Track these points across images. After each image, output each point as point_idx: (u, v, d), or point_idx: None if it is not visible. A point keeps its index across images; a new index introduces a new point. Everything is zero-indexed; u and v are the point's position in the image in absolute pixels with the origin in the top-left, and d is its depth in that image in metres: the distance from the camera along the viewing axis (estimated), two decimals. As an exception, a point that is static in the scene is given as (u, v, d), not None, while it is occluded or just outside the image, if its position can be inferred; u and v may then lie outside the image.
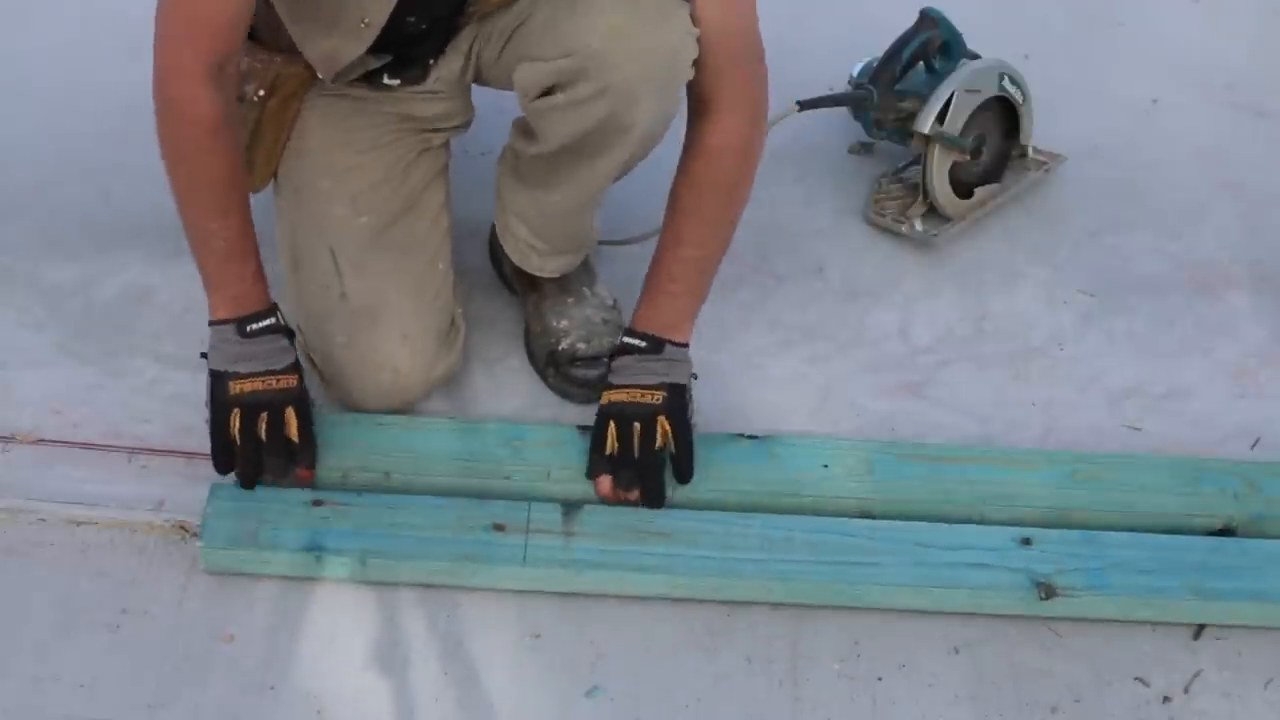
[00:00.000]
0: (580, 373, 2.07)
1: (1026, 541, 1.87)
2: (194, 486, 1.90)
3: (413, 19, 1.89)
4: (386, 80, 1.99)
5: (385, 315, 1.96)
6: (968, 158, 2.36)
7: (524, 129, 1.94)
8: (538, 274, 2.10)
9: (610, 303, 2.15)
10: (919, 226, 2.36)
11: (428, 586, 1.84)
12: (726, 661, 1.81)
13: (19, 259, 2.22)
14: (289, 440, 1.86)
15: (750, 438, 2.00)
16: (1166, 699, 1.80)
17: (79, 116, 2.47)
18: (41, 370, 2.07)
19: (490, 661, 1.79)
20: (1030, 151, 2.46)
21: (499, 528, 1.85)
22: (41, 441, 1.97)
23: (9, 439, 1.98)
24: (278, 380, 1.86)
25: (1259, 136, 2.64)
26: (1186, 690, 1.80)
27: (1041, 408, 2.12)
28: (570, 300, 2.12)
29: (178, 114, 1.79)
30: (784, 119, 2.25)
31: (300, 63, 1.96)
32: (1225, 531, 1.94)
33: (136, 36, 2.56)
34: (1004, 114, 2.41)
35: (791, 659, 1.81)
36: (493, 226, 2.15)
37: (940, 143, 2.32)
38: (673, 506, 1.90)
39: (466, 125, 2.10)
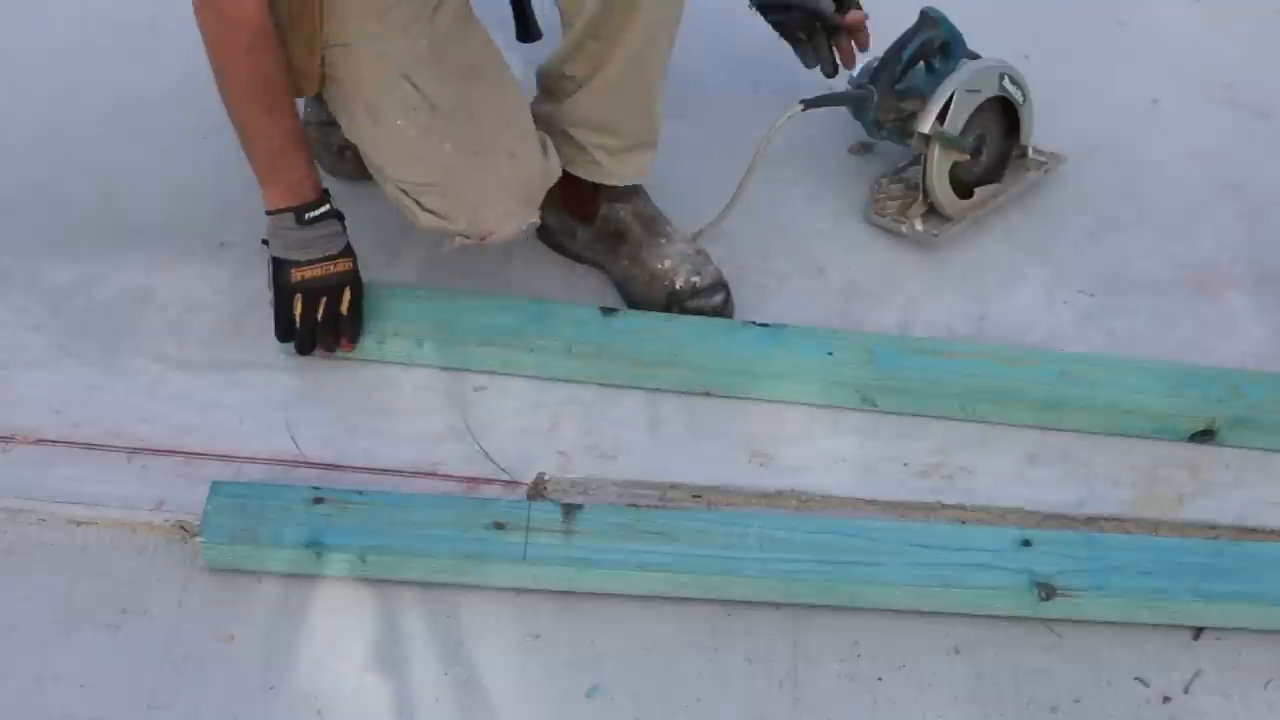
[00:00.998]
0: (704, 302, 2.16)
1: (1027, 543, 1.87)
2: (194, 486, 1.91)
3: None
4: None
5: (482, 110, 2.01)
6: (968, 157, 2.36)
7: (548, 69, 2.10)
8: (618, 182, 2.17)
9: (690, 235, 2.23)
10: (919, 226, 2.36)
11: (428, 587, 1.84)
12: (726, 661, 1.81)
13: (19, 259, 2.22)
14: (341, 317, 2.04)
15: (761, 325, 2.12)
16: (1166, 699, 1.80)
17: (79, 116, 2.47)
18: (41, 370, 2.07)
19: (490, 661, 1.79)
20: (1030, 152, 2.46)
21: (499, 526, 1.85)
22: (41, 441, 1.98)
23: (9, 439, 1.98)
24: (335, 265, 2.02)
25: (1259, 136, 2.64)
26: (1186, 690, 1.80)
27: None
28: (662, 240, 2.19)
29: (227, 18, 1.87)
30: (787, 118, 2.25)
31: None
32: (1207, 433, 2.03)
33: (136, 37, 2.58)
34: (1004, 114, 2.41)
35: (791, 659, 1.81)
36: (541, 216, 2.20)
37: (940, 143, 2.31)
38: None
39: None
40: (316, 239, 2.00)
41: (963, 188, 2.38)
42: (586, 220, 2.24)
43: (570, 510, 1.87)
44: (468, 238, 2.05)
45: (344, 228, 2.03)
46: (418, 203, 2.03)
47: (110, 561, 1.85)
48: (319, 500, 1.86)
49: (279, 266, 2.01)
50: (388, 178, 2.03)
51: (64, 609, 1.80)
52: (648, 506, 1.93)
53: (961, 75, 2.33)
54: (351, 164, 2.14)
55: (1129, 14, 2.86)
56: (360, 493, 1.89)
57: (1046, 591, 1.82)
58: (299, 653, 1.78)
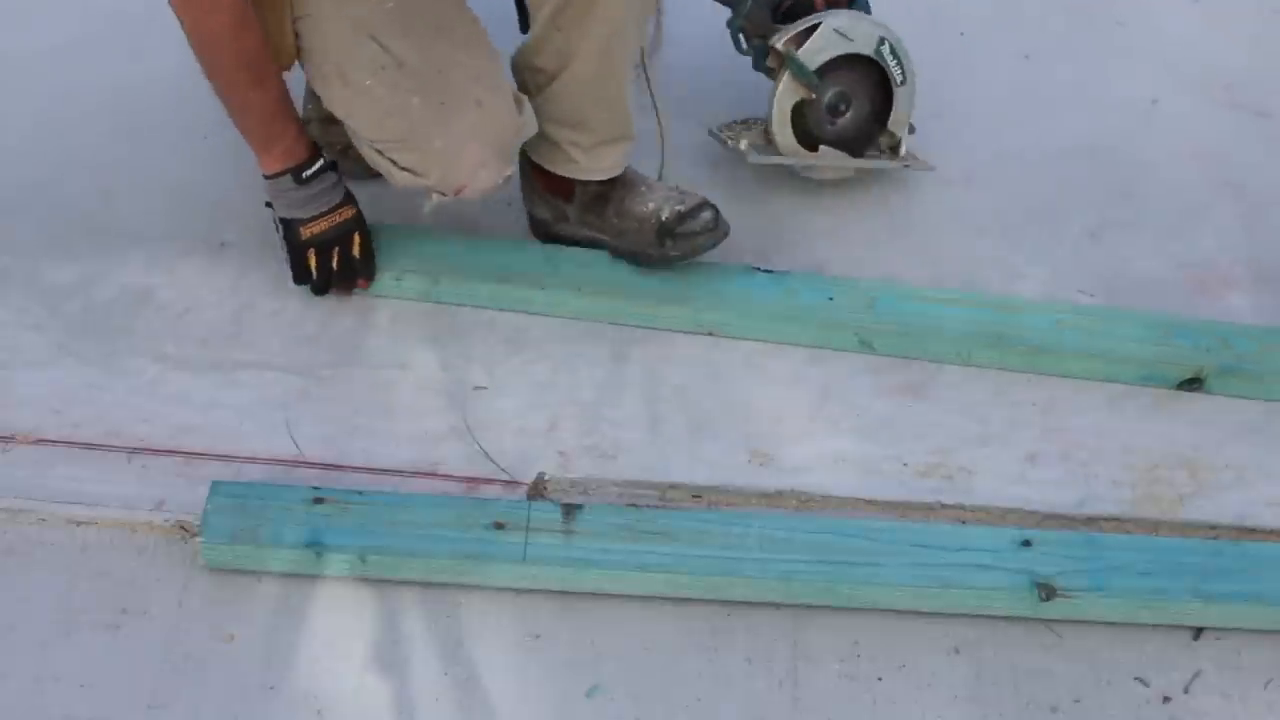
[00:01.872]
0: (693, 223, 2.17)
1: (1027, 543, 1.87)
2: (194, 486, 1.91)
3: None
4: None
5: (450, 65, 2.02)
6: (813, 96, 2.29)
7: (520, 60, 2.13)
8: (592, 177, 2.19)
9: (671, 185, 2.24)
10: (743, 144, 2.33)
11: (428, 587, 1.84)
12: (726, 661, 1.81)
13: (19, 259, 2.22)
14: (353, 259, 2.12)
15: (766, 271, 2.21)
16: (1166, 699, 1.80)
17: (79, 116, 2.47)
18: (41, 370, 2.07)
19: (490, 661, 1.79)
20: (902, 148, 2.38)
21: (499, 526, 1.85)
22: (41, 441, 1.98)
23: (9, 439, 1.98)
24: (340, 215, 2.10)
25: (1259, 136, 2.64)
26: (1186, 690, 1.81)
27: (1041, 408, 2.12)
28: (643, 188, 2.22)
29: (207, 5, 1.90)
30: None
31: None
32: (1195, 381, 2.10)
33: (136, 36, 2.58)
34: (882, 90, 2.35)
35: (791, 659, 1.81)
36: (526, 210, 2.27)
37: (790, 66, 2.26)
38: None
39: None
40: (317, 195, 2.07)
41: (809, 139, 2.34)
42: (568, 197, 2.25)
43: (570, 510, 1.87)
44: (444, 194, 2.07)
45: (340, 177, 2.11)
46: (393, 161, 2.05)
47: (110, 561, 1.85)
48: (319, 500, 1.86)
49: (288, 226, 2.09)
50: (363, 139, 2.06)
51: (64, 609, 1.80)
52: (648, 506, 1.93)
53: (839, 16, 2.28)
54: (356, 163, 2.14)
55: (1128, 14, 2.86)
56: (360, 493, 1.89)
57: (1046, 592, 1.82)
58: (299, 653, 1.78)
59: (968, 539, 1.89)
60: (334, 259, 2.12)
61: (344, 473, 1.97)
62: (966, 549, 1.87)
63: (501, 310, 2.18)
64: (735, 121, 2.42)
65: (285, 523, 1.84)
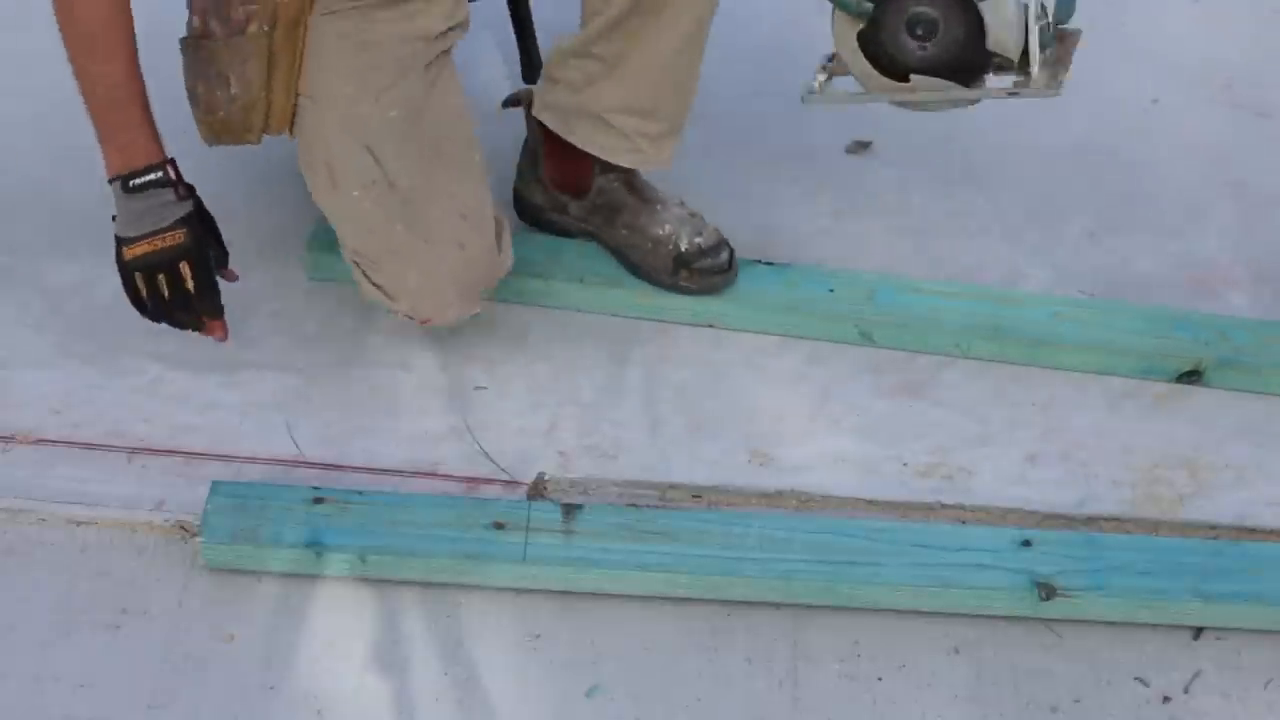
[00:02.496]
0: (712, 261, 2.17)
1: (1027, 543, 1.87)
2: (194, 486, 1.91)
3: None
4: None
5: (439, 195, 1.97)
6: (861, 24, 1.98)
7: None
8: (655, 167, 2.16)
9: (679, 200, 2.22)
10: (817, 79, 2.06)
11: (428, 587, 1.84)
12: (726, 661, 1.81)
13: (19, 259, 2.22)
14: (189, 294, 1.90)
15: (767, 263, 2.22)
16: (1166, 699, 1.80)
17: (79, 116, 2.46)
18: (41, 370, 2.07)
19: (490, 661, 1.79)
20: (1027, 68, 1.96)
21: (499, 526, 1.85)
22: (41, 441, 1.98)
23: (9, 439, 1.98)
24: (164, 239, 1.88)
25: (1259, 136, 2.63)
26: (1186, 690, 1.80)
27: (1041, 408, 2.12)
28: (657, 207, 2.19)
29: None
30: None
31: None
32: (1194, 374, 2.11)
33: (136, 37, 2.57)
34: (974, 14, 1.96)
35: (791, 659, 1.81)
36: (516, 190, 2.25)
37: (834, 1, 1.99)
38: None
39: (464, 27, 2.06)
40: (144, 210, 1.88)
41: (896, 69, 1.99)
42: (579, 194, 2.24)
43: (570, 510, 1.87)
44: (409, 318, 2.04)
45: (185, 195, 1.90)
46: (365, 275, 2.01)
47: (110, 561, 1.85)
48: (319, 500, 1.86)
49: (116, 244, 1.91)
50: (342, 243, 2.01)
51: (64, 609, 1.80)
52: (648, 506, 1.93)
53: None
54: None
55: (1128, 14, 2.86)
56: (360, 493, 1.89)
57: (1046, 591, 1.82)
58: (299, 653, 1.78)
59: (968, 539, 1.89)
60: (165, 288, 1.90)
61: (344, 473, 1.97)
62: (966, 549, 1.87)
63: (501, 303, 2.17)
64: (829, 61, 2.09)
65: (285, 523, 1.84)
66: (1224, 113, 2.68)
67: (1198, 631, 1.85)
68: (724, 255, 2.18)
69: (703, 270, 2.17)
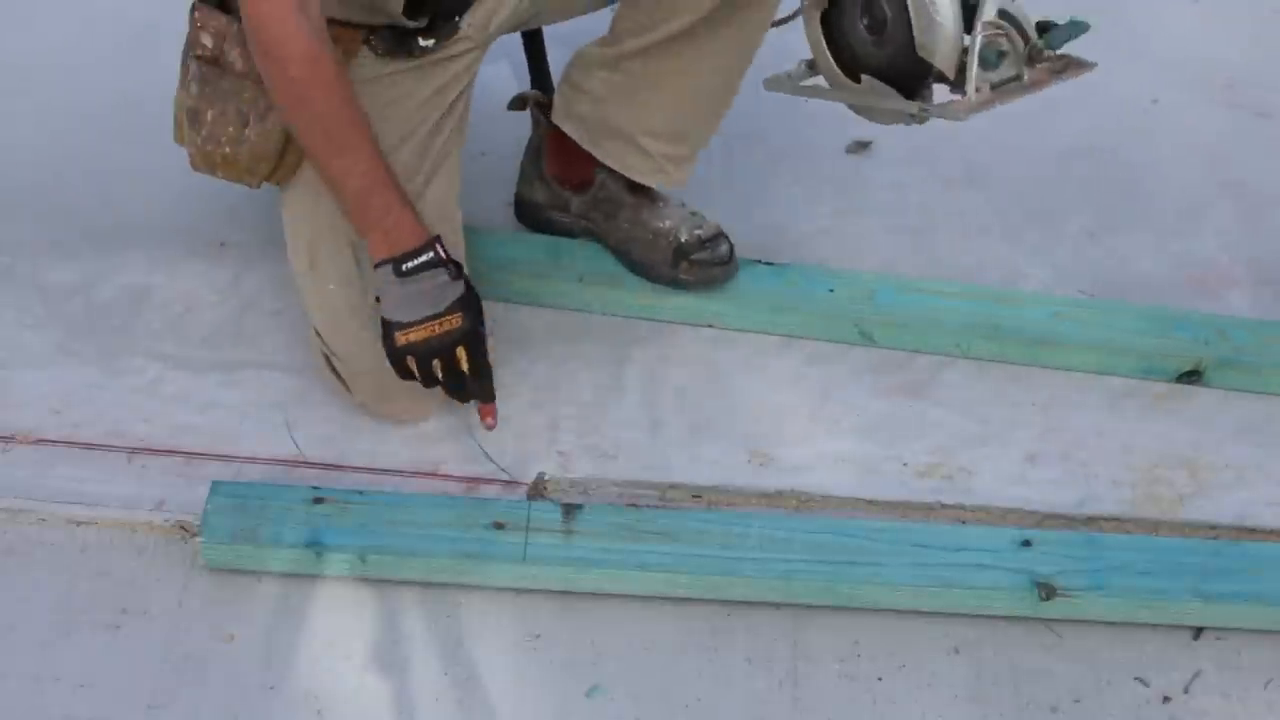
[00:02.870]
0: (711, 253, 2.16)
1: (1027, 543, 1.87)
2: (194, 486, 1.91)
3: None
4: (422, 43, 1.95)
5: None
6: (826, 6, 1.85)
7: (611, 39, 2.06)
8: (673, 187, 2.17)
9: (679, 200, 2.22)
10: (789, 70, 1.94)
11: (428, 587, 1.84)
12: (726, 661, 1.81)
13: (19, 259, 2.22)
14: (462, 376, 1.87)
15: (767, 263, 2.22)
16: (1166, 699, 1.80)
17: (79, 116, 2.47)
18: (41, 370, 2.07)
19: (490, 661, 1.79)
20: (962, 86, 1.75)
21: (499, 526, 1.85)
22: (41, 441, 1.98)
23: (9, 439, 1.98)
24: (441, 324, 1.83)
25: (1259, 136, 2.64)
26: (1186, 690, 1.80)
27: (1041, 408, 2.12)
28: (659, 204, 2.20)
29: (275, 57, 1.76)
30: None
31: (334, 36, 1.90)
32: (1194, 374, 2.11)
33: (136, 36, 2.58)
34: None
35: (791, 659, 1.81)
36: (518, 195, 2.26)
37: None
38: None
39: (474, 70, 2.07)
40: (420, 294, 1.83)
41: (853, 66, 1.85)
42: (580, 189, 2.24)
43: (570, 510, 1.87)
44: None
45: (457, 273, 1.85)
46: (327, 360, 2.00)
47: (110, 561, 1.85)
48: (319, 500, 1.86)
49: (385, 328, 1.85)
50: (309, 315, 1.99)
51: (64, 609, 1.80)
52: (648, 506, 1.93)
53: None
54: None
55: (1128, 14, 2.86)
56: (360, 493, 1.89)
57: (1046, 591, 1.82)
58: (299, 653, 1.78)
59: (967, 539, 1.89)
60: (440, 372, 1.87)
61: (344, 473, 1.97)
62: (966, 549, 1.87)
63: (501, 303, 2.16)
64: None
65: (285, 523, 1.84)
66: (1224, 113, 2.68)
67: (1198, 631, 1.85)
68: (724, 248, 2.18)
69: (702, 262, 2.17)
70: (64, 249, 2.24)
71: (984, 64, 1.74)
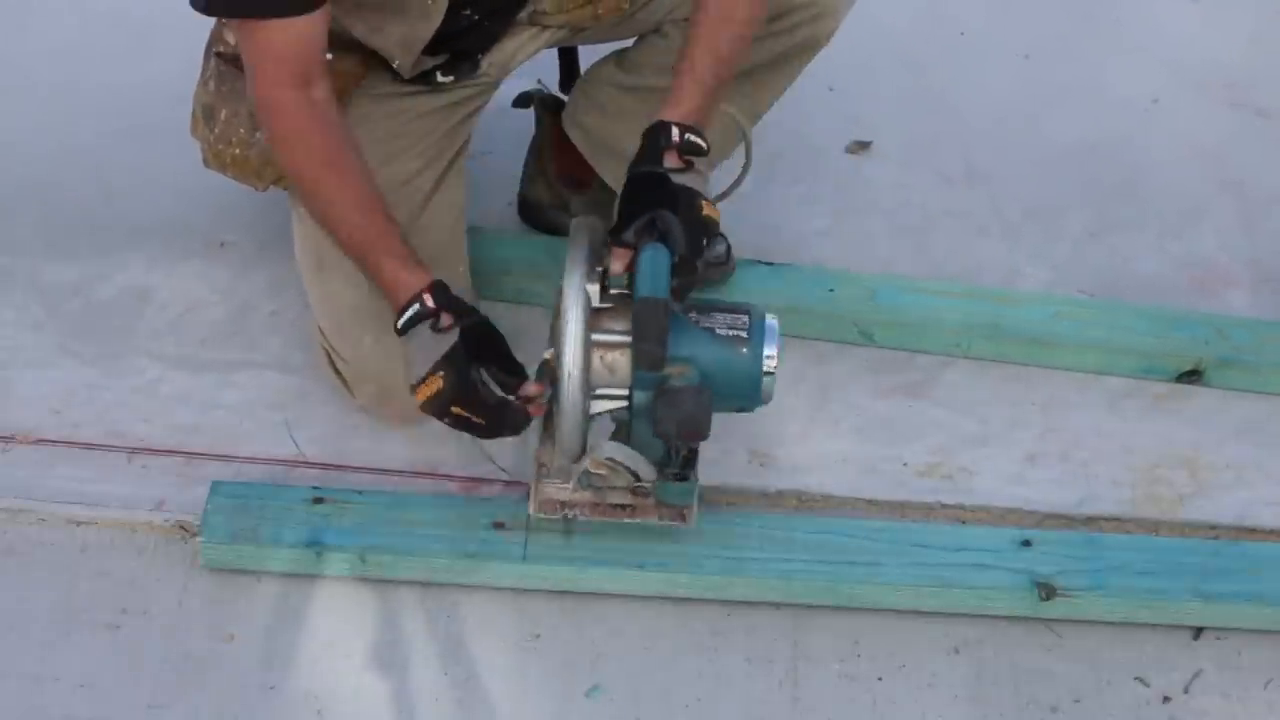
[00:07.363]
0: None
1: (1027, 543, 1.87)
2: (194, 486, 1.91)
3: (468, 11, 1.88)
4: (440, 79, 1.97)
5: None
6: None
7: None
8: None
9: None
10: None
11: (428, 587, 1.84)
12: (726, 661, 1.81)
13: (19, 259, 2.22)
14: (473, 425, 1.78)
15: (767, 264, 2.21)
16: (1166, 699, 1.80)
17: (79, 116, 2.47)
18: (41, 370, 2.07)
19: (490, 661, 1.79)
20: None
21: (499, 526, 1.85)
22: (41, 441, 1.98)
23: (9, 439, 1.98)
24: (429, 386, 1.76)
25: (1259, 136, 2.63)
26: (1186, 690, 1.81)
27: (1041, 407, 2.12)
28: None
29: (269, 122, 1.79)
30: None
31: (348, 60, 1.92)
32: (1194, 373, 2.11)
33: (136, 36, 2.58)
34: None
35: (791, 659, 1.81)
36: (521, 195, 2.25)
37: None
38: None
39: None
40: (417, 350, 1.78)
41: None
42: (581, 189, 2.24)
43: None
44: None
45: (448, 324, 1.77)
46: (330, 360, 1.99)
47: (110, 561, 1.85)
48: (319, 500, 1.86)
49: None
50: (317, 324, 1.99)
51: (64, 609, 1.80)
52: (648, 506, 1.93)
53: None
54: None
55: (1128, 13, 2.86)
56: (360, 493, 1.89)
57: (1046, 591, 1.82)
58: (299, 653, 1.78)
59: (967, 539, 1.89)
60: (458, 424, 1.79)
61: (344, 473, 1.97)
62: (966, 549, 1.87)
63: (501, 303, 2.15)
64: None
65: (285, 523, 1.84)
66: (1224, 113, 2.68)
67: (1198, 631, 1.85)
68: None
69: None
70: (64, 249, 2.24)
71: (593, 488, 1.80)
